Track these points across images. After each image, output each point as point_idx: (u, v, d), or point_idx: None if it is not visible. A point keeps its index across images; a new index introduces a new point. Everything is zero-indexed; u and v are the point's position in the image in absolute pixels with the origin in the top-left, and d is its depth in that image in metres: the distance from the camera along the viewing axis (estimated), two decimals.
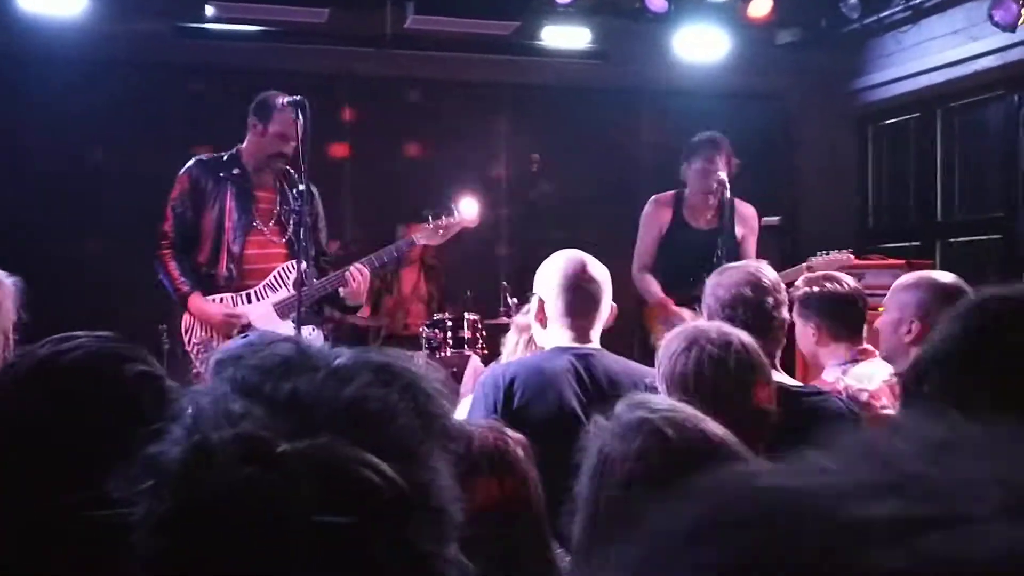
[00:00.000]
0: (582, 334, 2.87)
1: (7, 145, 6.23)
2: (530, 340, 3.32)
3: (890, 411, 3.11)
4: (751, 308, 2.72)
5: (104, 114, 6.41)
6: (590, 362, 2.79)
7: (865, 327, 3.32)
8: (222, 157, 4.54)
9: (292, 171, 4.41)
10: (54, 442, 1.22)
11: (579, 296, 2.87)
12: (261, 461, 0.71)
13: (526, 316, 3.45)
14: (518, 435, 1.87)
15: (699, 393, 2.12)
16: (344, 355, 0.81)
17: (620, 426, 1.50)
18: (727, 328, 2.27)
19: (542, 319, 2.92)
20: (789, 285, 3.21)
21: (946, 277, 3.04)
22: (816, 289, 3.28)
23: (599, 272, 2.92)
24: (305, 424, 0.74)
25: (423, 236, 4.66)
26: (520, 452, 1.81)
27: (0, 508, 1.21)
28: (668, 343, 2.26)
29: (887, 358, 3.04)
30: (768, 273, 2.83)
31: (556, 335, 2.90)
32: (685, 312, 4.79)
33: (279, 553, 0.70)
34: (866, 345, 3.28)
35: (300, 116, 4.15)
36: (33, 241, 5.99)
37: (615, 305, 2.97)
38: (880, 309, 3.69)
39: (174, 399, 1.28)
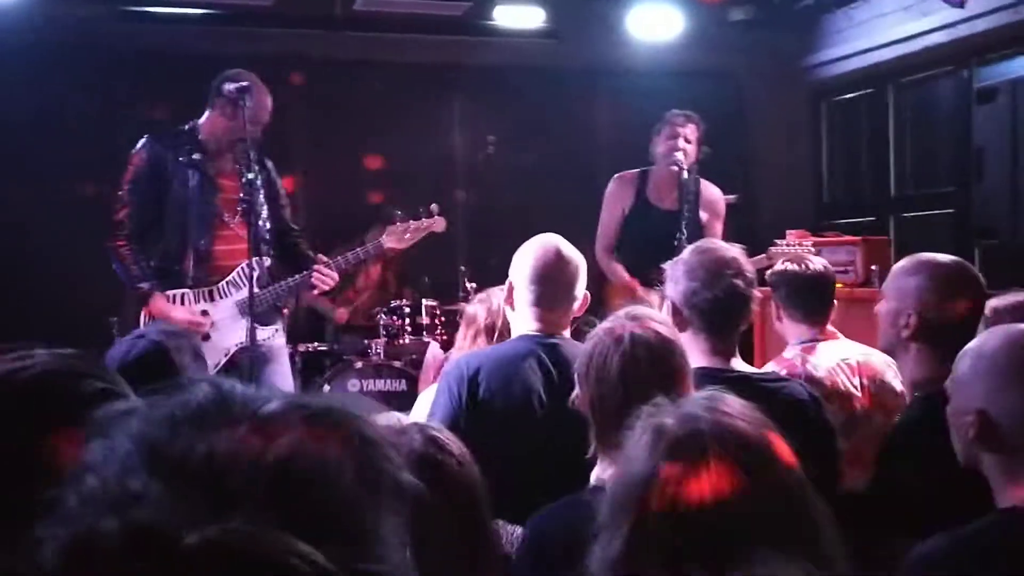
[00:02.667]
0: (550, 323, 2.84)
1: None
2: (478, 333, 3.30)
3: (851, 391, 3.13)
4: (731, 292, 2.64)
5: (48, 99, 6.25)
6: (556, 351, 2.76)
7: (831, 308, 3.33)
8: (179, 132, 4.30)
9: (251, 154, 4.18)
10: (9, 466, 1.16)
11: (548, 286, 2.83)
12: (157, 557, 0.58)
13: (475, 306, 3.42)
14: (451, 445, 1.77)
15: (588, 388, 2.17)
16: (273, 401, 0.68)
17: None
18: (635, 319, 2.23)
19: (511, 303, 2.90)
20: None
21: (945, 259, 2.74)
22: (780, 268, 3.33)
23: (572, 261, 2.87)
24: (219, 498, 0.61)
25: (390, 239, 4.57)
26: (449, 439, 1.73)
27: None
28: (591, 333, 2.28)
29: (885, 350, 2.88)
30: (745, 262, 2.73)
31: (524, 323, 2.87)
32: (652, 296, 4.74)
33: None
34: (830, 327, 3.31)
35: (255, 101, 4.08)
36: None
37: (588, 294, 2.92)
38: (839, 285, 3.72)
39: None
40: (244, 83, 4.16)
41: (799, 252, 5.02)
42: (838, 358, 3.18)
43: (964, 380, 1.96)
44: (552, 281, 2.83)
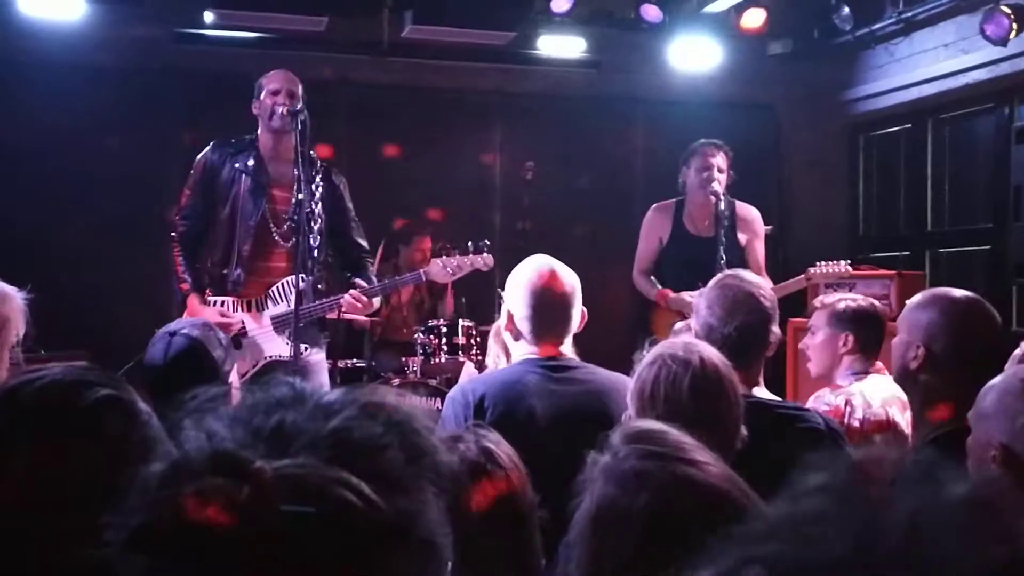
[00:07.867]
0: (552, 346, 2.80)
1: (4, 149, 6.23)
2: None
3: (902, 427, 3.16)
4: (747, 327, 2.66)
5: (102, 119, 6.44)
6: (562, 375, 2.74)
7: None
8: (241, 140, 4.41)
9: (317, 165, 4.25)
10: (19, 473, 1.25)
11: (547, 309, 2.79)
12: (232, 473, 0.70)
13: None
14: (497, 437, 1.85)
15: (655, 409, 2.13)
16: (333, 393, 0.80)
17: (619, 472, 1.46)
18: (694, 345, 2.25)
19: (512, 330, 2.85)
20: (787, 296, 3.29)
21: (959, 295, 2.71)
22: (852, 304, 3.54)
23: (568, 281, 2.83)
24: (287, 450, 0.73)
25: (434, 272, 4.53)
26: (505, 455, 1.81)
27: None
28: (642, 358, 2.27)
29: (897, 381, 2.88)
30: (766, 291, 2.76)
31: (526, 347, 2.83)
32: (686, 295, 4.86)
33: (247, 570, 0.68)
34: (879, 362, 3.46)
35: (300, 125, 4.15)
36: (29, 246, 6.02)
37: (585, 310, 2.88)
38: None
39: (145, 421, 1.32)
40: (259, 83, 4.35)
41: (838, 270, 5.25)
42: (891, 392, 3.22)
43: (988, 414, 2.04)
44: (550, 303, 2.79)
